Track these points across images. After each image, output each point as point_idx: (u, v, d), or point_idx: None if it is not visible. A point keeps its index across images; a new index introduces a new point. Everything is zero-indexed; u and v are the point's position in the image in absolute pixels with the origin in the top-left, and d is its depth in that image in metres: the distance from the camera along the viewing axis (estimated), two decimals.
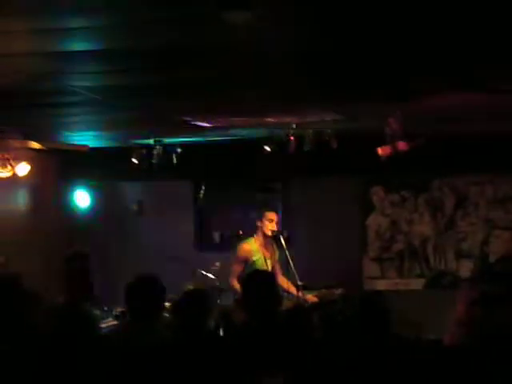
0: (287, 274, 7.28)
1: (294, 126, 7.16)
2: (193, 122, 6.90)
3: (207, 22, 3.36)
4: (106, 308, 7.32)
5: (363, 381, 3.83)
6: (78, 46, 3.95)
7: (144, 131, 7.71)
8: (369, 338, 3.96)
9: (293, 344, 4.35)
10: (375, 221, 9.30)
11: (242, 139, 8.39)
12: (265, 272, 6.42)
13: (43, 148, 8.37)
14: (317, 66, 4.56)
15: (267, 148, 7.85)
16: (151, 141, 8.08)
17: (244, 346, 4.45)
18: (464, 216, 9.10)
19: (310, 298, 7.31)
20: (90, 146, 8.87)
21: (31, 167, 7.73)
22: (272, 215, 7.49)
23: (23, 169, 7.64)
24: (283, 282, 7.36)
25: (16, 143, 7.65)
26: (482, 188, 9.05)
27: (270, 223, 7.41)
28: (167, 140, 8.15)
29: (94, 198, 9.43)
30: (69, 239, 9.01)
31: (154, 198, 9.70)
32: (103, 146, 8.98)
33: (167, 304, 5.44)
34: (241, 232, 8.26)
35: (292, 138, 7.42)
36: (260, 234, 7.43)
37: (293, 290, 7.18)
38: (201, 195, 8.88)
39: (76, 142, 8.64)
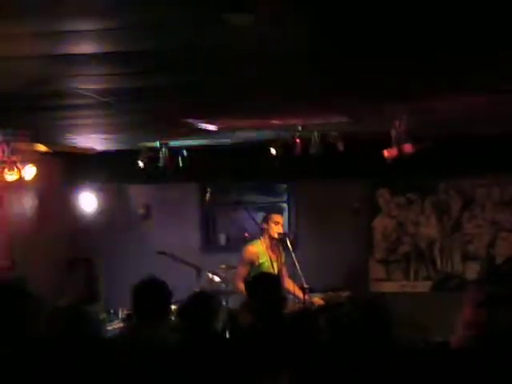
0: (293, 276, 7.28)
1: (300, 128, 7.16)
2: (198, 125, 6.90)
3: (212, 24, 3.37)
4: (112, 310, 7.34)
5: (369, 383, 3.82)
6: (83, 48, 3.96)
7: (150, 134, 7.72)
8: (375, 340, 3.95)
9: (299, 346, 4.34)
10: (381, 223, 9.28)
11: (248, 142, 8.38)
12: (270, 274, 6.43)
13: (49, 151, 8.37)
14: (320, 67, 4.55)
15: (273, 150, 7.84)
16: (157, 144, 8.08)
17: (250, 349, 4.45)
18: (470, 218, 9.08)
19: (317, 300, 7.30)
20: (96, 148, 8.88)
21: (37, 170, 7.73)
22: (278, 218, 7.50)
23: (30, 172, 7.64)
24: (289, 284, 7.36)
25: (22, 146, 7.67)
26: (488, 190, 9.03)
27: (276, 226, 7.42)
28: (173, 143, 8.15)
29: (100, 201, 9.43)
30: (75, 242, 9.03)
31: (161, 201, 9.70)
32: (109, 148, 8.99)
33: (173, 306, 5.45)
34: (247, 234, 8.25)
35: (298, 140, 7.41)
36: (266, 236, 7.44)
37: (299, 292, 7.16)
38: (207, 198, 8.87)
39: (82, 145, 8.64)
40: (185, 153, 8.22)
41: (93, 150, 8.89)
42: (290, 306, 6.94)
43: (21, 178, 7.52)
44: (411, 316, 7.39)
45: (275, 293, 4.98)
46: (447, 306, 4.95)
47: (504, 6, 3.27)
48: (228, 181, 9.37)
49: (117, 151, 9.03)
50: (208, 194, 8.77)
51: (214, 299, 4.90)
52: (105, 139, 8.26)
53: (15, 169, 7.39)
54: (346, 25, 3.55)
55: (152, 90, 5.13)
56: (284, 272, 7.46)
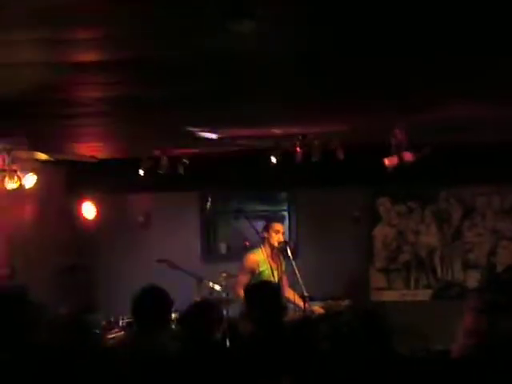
0: (294, 284, 7.27)
1: (301, 137, 7.16)
2: (199, 134, 6.91)
3: (213, 31, 3.38)
4: (112, 319, 7.33)
5: None
6: (85, 56, 3.97)
7: (150, 142, 7.72)
8: (375, 349, 3.94)
9: (299, 355, 4.33)
10: (382, 231, 9.28)
11: (249, 150, 8.38)
12: (270, 283, 6.43)
13: (50, 159, 8.37)
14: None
15: (274, 159, 7.84)
16: (158, 152, 8.08)
17: (250, 357, 4.44)
18: (471, 227, 9.08)
19: (317, 309, 7.29)
20: (97, 157, 8.88)
21: (38, 178, 7.73)
22: (279, 226, 7.50)
23: (30, 180, 7.63)
24: (290, 293, 7.35)
25: (23, 154, 7.67)
26: (488, 199, 9.03)
27: (277, 234, 7.42)
28: (174, 151, 8.15)
29: (101, 210, 9.43)
30: (75, 251, 9.02)
31: (161, 210, 9.70)
32: (110, 157, 8.99)
33: (174, 315, 5.45)
34: (247, 243, 8.25)
35: (298, 148, 7.42)
36: (267, 245, 7.43)
37: (299, 301, 7.15)
38: (207, 206, 8.86)
39: (83, 154, 8.64)
40: (185, 161, 8.22)
41: (93, 158, 8.88)
42: (290, 315, 6.93)
43: (21, 187, 7.52)
44: (412, 325, 7.39)
45: (275, 301, 4.98)
46: (448, 315, 4.96)
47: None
48: (228, 189, 9.37)
49: (117, 159, 9.03)
50: (208, 203, 8.76)
51: (215, 308, 4.89)
52: (105, 147, 8.27)
53: (15, 177, 7.39)
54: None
55: (153, 98, 5.14)
56: (284, 280, 7.46)
